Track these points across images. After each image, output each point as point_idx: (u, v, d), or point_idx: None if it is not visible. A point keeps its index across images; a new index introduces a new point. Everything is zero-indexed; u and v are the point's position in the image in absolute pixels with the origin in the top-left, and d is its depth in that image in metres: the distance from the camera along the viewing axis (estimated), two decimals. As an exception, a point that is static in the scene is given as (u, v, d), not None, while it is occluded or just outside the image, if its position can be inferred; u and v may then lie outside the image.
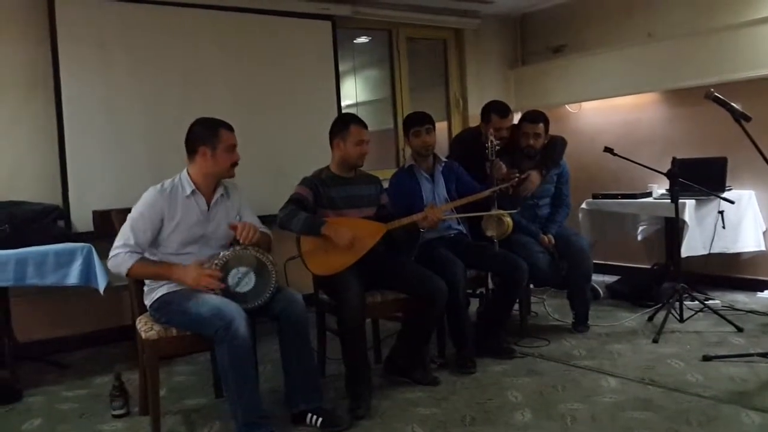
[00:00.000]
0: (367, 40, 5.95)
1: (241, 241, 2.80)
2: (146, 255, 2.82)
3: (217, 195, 2.95)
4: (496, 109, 4.09)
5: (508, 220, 3.66)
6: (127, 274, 2.79)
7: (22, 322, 3.92)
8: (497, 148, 3.73)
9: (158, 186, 2.87)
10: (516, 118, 4.31)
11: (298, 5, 4.94)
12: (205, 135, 2.87)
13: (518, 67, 6.39)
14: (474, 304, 4.07)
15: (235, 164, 2.92)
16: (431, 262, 3.47)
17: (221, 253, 2.81)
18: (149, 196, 2.84)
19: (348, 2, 5.17)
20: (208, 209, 2.92)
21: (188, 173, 2.91)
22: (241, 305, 2.69)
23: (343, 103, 5.35)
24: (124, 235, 2.78)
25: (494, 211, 3.59)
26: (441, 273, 3.32)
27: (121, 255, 2.76)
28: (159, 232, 2.83)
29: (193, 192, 2.88)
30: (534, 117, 4.13)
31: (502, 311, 3.74)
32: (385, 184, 3.64)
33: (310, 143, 4.48)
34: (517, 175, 3.76)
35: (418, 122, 3.71)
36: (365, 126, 3.37)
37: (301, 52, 5.01)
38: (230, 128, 2.93)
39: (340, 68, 5.29)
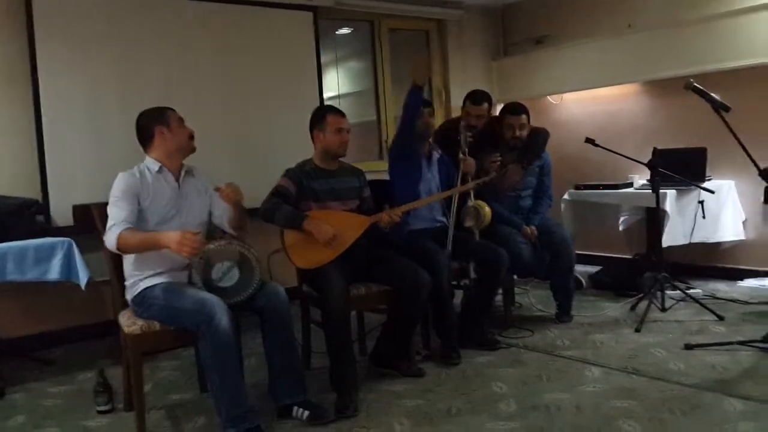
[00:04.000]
0: (349, 31, 5.93)
1: (225, 200, 2.84)
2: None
3: (182, 173, 2.98)
4: (469, 96, 4.16)
5: (486, 210, 3.69)
6: (118, 248, 2.72)
7: (2, 319, 3.89)
8: (470, 140, 3.78)
9: (127, 171, 2.89)
10: (497, 109, 4.33)
11: (280, -4, 4.91)
12: (156, 117, 2.95)
13: (501, 58, 6.39)
14: (458, 296, 4.08)
15: (191, 136, 2.98)
16: (415, 252, 3.47)
17: (204, 248, 2.79)
18: (122, 177, 2.85)
19: (330, -7, 5.15)
20: (179, 186, 2.94)
21: (151, 157, 2.95)
22: (224, 300, 2.68)
23: (325, 95, 5.32)
24: (112, 215, 2.77)
25: (471, 202, 3.72)
26: (424, 262, 3.33)
27: (110, 231, 2.72)
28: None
29: (160, 169, 2.91)
30: (517, 109, 4.15)
31: (484, 300, 3.76)
32: (368, 176, 3.63)
33: (292, 135, 4.44)
34: (499, 157, 3.86)
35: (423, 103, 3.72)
36: (343, 114, 3.37)
37: (283, 43, 4.98)
38: (172, 109, 3.01)
39: (322, 59, 5.27)
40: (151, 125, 2.94)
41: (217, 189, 2.86)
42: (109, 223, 2.76)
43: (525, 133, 4.13)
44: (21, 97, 4.05)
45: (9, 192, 3.85)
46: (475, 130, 3.98)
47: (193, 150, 3.00)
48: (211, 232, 3.03)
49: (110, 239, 2.73)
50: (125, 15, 4.32)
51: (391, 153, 3.85)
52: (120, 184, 2.83)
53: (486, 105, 4.12)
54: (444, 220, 3.87)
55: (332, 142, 3.30)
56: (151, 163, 2.93)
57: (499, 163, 3.94)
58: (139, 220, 2.81)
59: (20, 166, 4.06)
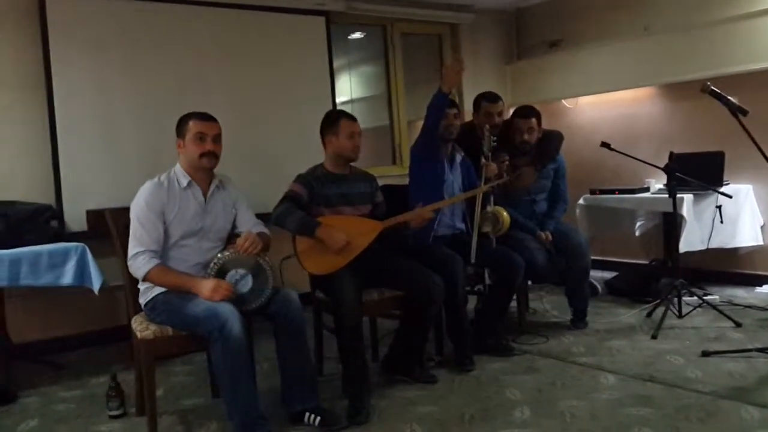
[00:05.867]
0: (361, 36, 5.93)
1: (241, 252, 2.78)
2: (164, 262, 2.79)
3: (212, 187, 2.94)
4: (483, 96, 4.13)
5: (505, 216, 3.67)
6: (145, 280, 2.76)
7: (16, 323, 3.90)
8: (494, 143, 3.75)
9: (155, 179, 2.85)
10: (510, 113, 4.30)
11: (291, 1, 4.91)
12: (179, 127, 2.90)
13: (514, 62, 6.36)
14: (472, 302, 4.05)
15: (204, 154, 2.84)
16: (430, 259, 3.45)
17: (219, 255, 2.80)
18: (147, 188, 2.82)
19: (342, -3, 5.15)
20: (205, 201, 2.91)
21: (180, 166, 2.91)
22: (237, 307, 2.67)
23: (337, 100, 5.33)
24: (137, 236, 2.76)
25: (489, 208, 3.69)
26: (440, 270, 3.31)
27: (140, 258, 2.72)
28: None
29: (189, 184, 2.88)
30: (526, 112, 4.12)
31: (499, 308, 3.73)
32: (381, 182, 3.62)
33: (305, 140, 4.44)
34: (507, 158, 3.85)
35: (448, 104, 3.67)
36: (355, 119, 3.36)
37: (296, 48, 4.99)
38: (204, 117, 2.88)
39: (335, 64, 5.27)
40: (176, 134, 2.90)
41: (234, 242, 2.84)
42: (135, 246, 2.74)
43: (534, 137, 4.09)
44: (35, 103, 4.09)
45: (23, 198, 3.87)
46: (496, 131, 3.94)
47: (207, 169, 2.90)
48: (228, 237, 3.02)
49: (138, 271, 2.74)
50: (138, 21, 4.34)
51: (413, 152, 3.83)
52: (145, 196, 2.79)
53: (501, 102, 4.10)
54: (463, 227, 3.85)
55: (345, 147, 3.29)
56: (181, 174, 2.88)
57: (507, 162, 3.89)
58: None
59: (34, 171, 4.09)
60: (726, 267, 4.98)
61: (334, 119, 3.35)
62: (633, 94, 5.50)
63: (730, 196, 4.28)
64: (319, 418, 2.79)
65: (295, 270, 3.22)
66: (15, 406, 3.29)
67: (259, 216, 3.13)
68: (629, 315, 4.29)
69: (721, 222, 4.53)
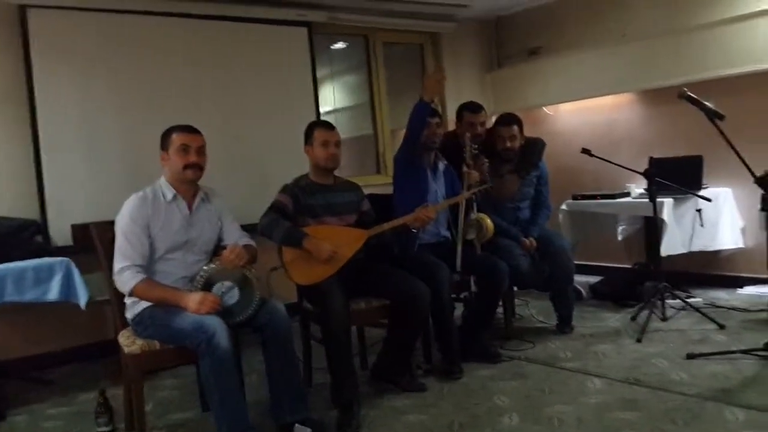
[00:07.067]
0: (344, 46, 5.95)
1: (227, 265, 2.78)
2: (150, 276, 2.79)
3: (197, 200, 2.95)
4: (465, 106, 4.17)
5: (488, 223, 3.70)
6: (130, 294, 2.76)
7: (2, 340, 3.87)
8: (475, 152, 3.78)
9: (139, 192, 2.85)
10: (492, 121, 4.35)
11: (273, 12, 4.92)
12: (162, 140, 2.90)
13: (495, 70, 6.41)
14: (458, 309, 4.07)
15: (188, 166, 2.84)
16: (416, 267, 3.46)
17: (205, 267, 2.80)
18: (132, 202, 2.81)
19: (324, 8, 5.16)
20: (190, 214, 2.91)
21: (165, 179, 2.91)
22: (224, 319, 2.67)
23: (321, 110, 5.34)
24: (122, 250, 2.75)
25: (473, 215, 3.71)
26: (426, 277, 3.33)
27: (126, 273, 2.72)
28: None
29: (174, 197, 2.88)
30: (507, 120, 4.16)
31: (485, 314, 3.75)
32: (365, 191, 3.64)
33: (289, 150, 4.45)
34: (486, 161, 3.88)
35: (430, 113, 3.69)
36: (331, 128, 3.38)
37: (278, 59, 5.00)
38: (187, 130, 2.89)
39: (318, 74, 5.28)
40: (160, 147, 2.91)
41: (220, 254, 2.85)
42: (120, 261, 2.74)
43: (516, 144, 4.13)
44: (18, 116, 4.06)
45: (7, 213, 3.86)
46: (478, 140, 3.98)
47: (191, 181, 2.90)
48: (215, 249, 3.03)
49: (125, 286, 2.74)
50: (122, 34, 4.33)
51: (397, 161, 3.85)
52: (130, 210, 2.79)
53: (484, 112, 4.14)
54: (447, 234, 3.87)
55: (319, 156, 3.31)
56: (166, 188, 2.89)
57: (486, 164, 3.92)
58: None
59: (18, 186, 4.06)
60: (708, 269, 5.04)
61: (310, 129, 3.39)
62: (612, 100, 5.57)
63: (710, 200, 4.33)
64: (308, 430, 2.78)
65: (282, 281, 3.23)
66: (3, 424, 3.26)
67: (245, 227, 3.13)
68: (614, 319, 4.33)
69: (702, 225, 4.59)
